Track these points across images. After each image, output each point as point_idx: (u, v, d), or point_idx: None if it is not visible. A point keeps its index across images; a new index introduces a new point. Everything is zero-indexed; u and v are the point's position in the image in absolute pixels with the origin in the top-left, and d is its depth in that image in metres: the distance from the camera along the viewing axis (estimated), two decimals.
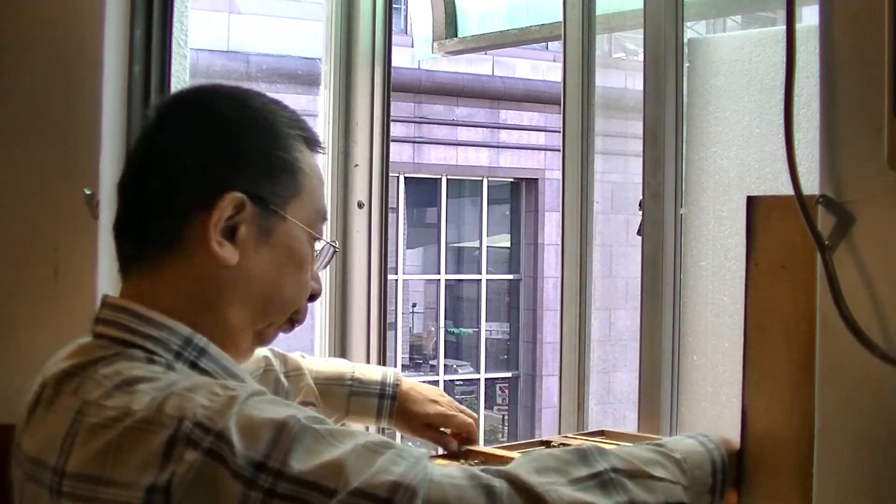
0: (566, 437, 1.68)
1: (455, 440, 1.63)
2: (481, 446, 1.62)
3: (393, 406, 1.62)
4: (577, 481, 1.06)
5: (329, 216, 2.04)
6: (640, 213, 1.85)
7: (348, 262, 2.18)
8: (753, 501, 1.25)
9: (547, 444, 1.62)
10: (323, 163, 2.23)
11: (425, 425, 1.63)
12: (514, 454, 1.53)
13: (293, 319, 1.20)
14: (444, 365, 10.92)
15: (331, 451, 0.96)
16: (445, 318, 10.87)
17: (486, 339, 11.04)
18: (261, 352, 1.55)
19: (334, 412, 1.60)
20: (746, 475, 1.26)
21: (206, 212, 1.09)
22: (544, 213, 10.91)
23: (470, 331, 11.19)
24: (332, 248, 1.24)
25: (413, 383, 1.67)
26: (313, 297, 1.21)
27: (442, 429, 1.64)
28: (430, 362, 10.93)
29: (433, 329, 10.90)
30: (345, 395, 1.61)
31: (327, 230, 2.21)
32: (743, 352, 1.26)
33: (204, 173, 1.11)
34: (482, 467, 1.06)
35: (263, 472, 0.94)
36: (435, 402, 1.65)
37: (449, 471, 1.02)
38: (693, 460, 1.20)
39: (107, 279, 1.90)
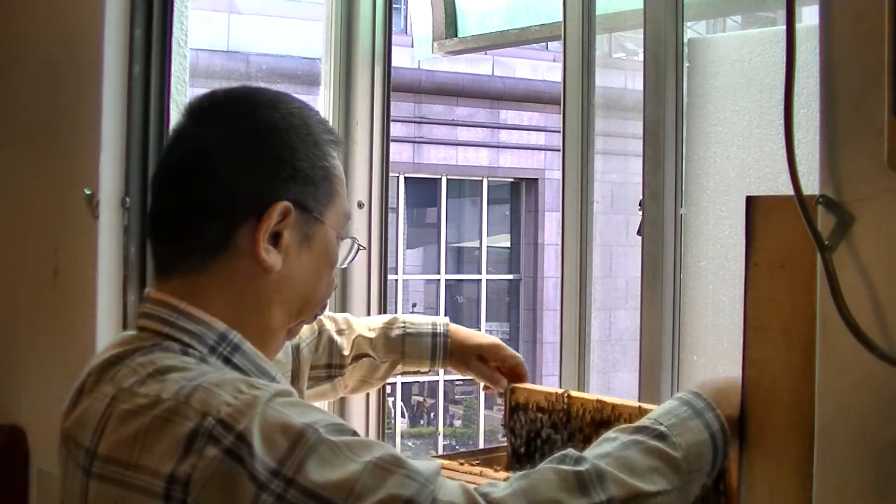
0: (569, 392, 1.65)
1: (504, 378, 1.68)
2: (527, 384, 1.66)
3: (446, 343, 1.68)
4: None
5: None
6: (640, 213, 1.85)
7: None
8: (753, 501, 1.25)
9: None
10: None
11: (478, 357, 1.68)
12: (555, 389, 1.59)
13: (316, 313, 1.26)
14: None
15: (345, 466, 0.99)
16: None
17: None
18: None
19: (390, 355, 1.68)
20: (747, 474, 1.26)
21: (256, 219, 1.13)
22: (544, 213, 10.91)
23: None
24: (357, 246, 1.29)
25: (459, 326, 1.73)
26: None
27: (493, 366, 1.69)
28: None
29: None
30: (399, 337, 1.68)
31: None
32: (743, 352, 1.25)
33: (258, 182, 1.15)
34: (487, 485, 1.07)
35: (276, 478, 0.97)
36: (484, 335, 1.74)
37: (454, 495, 1.02)
38: (694, 453, 1.18)
39: (107, 279, 1.90)
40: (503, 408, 1.65)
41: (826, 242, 1.07)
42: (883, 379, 1.03)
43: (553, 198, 10.47)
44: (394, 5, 2.25)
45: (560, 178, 2.07)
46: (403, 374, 1.74)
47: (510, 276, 11.28)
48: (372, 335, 1.68)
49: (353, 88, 2.20)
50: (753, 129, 1.71)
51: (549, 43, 6.06)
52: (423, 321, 1.70)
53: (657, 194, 1.82)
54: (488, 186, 11.12)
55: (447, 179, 10.86)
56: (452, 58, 8.49)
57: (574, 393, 1.57)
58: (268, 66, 8.28)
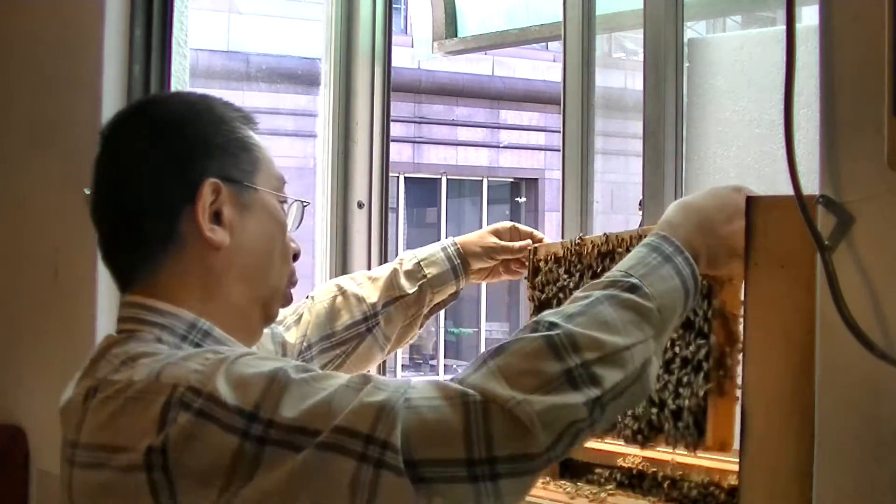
0: (582, 235, 1.63)
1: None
2: (547, 242, 1.70)
3: (456, 245, 1.73)
4: (547, 384, 1.03)
5: (311, 203, 2.04)
6: (640, 213, 1.85)
7: (348, 262, 2.19)
8: (752, 502, 1.25)
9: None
10: (322, 162, 2.24)
11: (496, 236, 1.73)
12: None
13: (289, 283, 1.29)
14: (444, 365, 10.92)
15: (316, 395, 1.02)
16: (445, 318, 10.86)
17: (486, 339, 11.03)
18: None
19: (414, 282, 1.70)
20: (745, 475, 1.26)
21: (191, 205, 1.17)
22: (544, 213, 10.91)
23: (470, 331, 11.19)
24: (301, 205, 1.32)
25: None
26: (296, 256, 1.30)
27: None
28: (430, 362, 10.93)
29: (433, 329, 10.90)
30: (415, 265, 1.72)
31: (326, 229, 2.21)
32: (742, 352, 1.25)
33: (179, 171, 1.19)
34: (463, 374, 1.05)
35: (255, 422, 1.00)
36: None
37: (426, 390, 1.02)
38: (667, 301, 1.16)
39: (107, 279, 1.90)
40: (528, 269, 1.69)
41: (826, 242, 1.07)
42: (883, 379, 1.03)
43: (553, 198, 10.47)
44: (394, 5, 2.25)
45: (560, 178, 2.07)
46: (438, 307, 1.76)
47: None
48: (391, 277, 1.71)
49: (353, 88, 2.20)
50: (753, 129, 1.71)
51: (549, 43, 6.06)
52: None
53: (657, 194, 1.82)
54: (488, 186, 11.12)
55: (447, 179, 10.86)
56: (452, 58, 8.49)
57: (587, 236, 1.58)
58: (268, 66, 8.28)
